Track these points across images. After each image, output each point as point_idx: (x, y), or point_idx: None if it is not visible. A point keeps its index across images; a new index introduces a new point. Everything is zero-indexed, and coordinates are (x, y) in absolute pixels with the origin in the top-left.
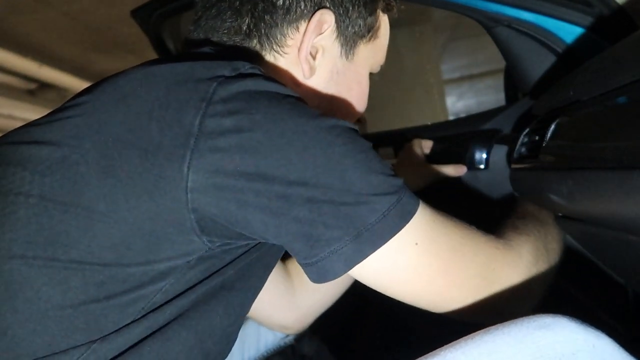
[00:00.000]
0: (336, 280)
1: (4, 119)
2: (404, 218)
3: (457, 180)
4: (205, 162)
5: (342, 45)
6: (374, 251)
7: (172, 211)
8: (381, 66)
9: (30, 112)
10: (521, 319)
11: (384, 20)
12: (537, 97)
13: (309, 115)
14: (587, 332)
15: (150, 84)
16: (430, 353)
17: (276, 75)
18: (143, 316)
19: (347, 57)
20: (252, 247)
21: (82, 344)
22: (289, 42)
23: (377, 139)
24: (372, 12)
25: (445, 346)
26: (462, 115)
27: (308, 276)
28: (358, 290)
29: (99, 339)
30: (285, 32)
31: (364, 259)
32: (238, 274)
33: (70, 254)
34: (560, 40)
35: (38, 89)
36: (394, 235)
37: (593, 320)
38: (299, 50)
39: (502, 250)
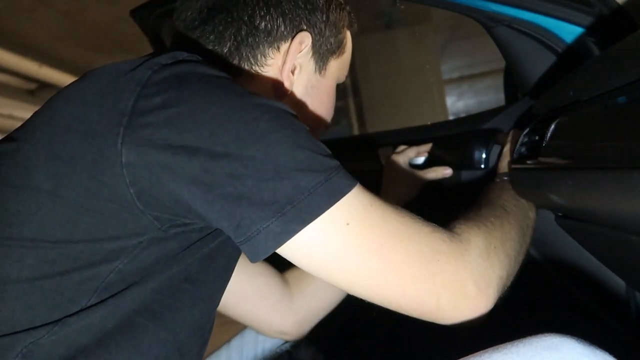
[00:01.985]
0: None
1: (4, 119)
2: (333, 197)
3: (456, 180)
4: (136, 137)
5: (316, 62)
6: (301, 229)
7: (112, 187)
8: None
9: (30, 112)
10: (529, 338)
11: (348, 36)
12: (537, 97)
13: (238, 92)
14: (595, 354)
15: (95, 79)
16: None
17: (255, 87)
18: (102, 301)
19: (320, 73)
20: (208, 234)
21: (44, 324)
22: (269, 61)
23: (377, 139)
24: (341, 30)
25: None
26: (462, 115)
27: (246, 255)
28: (354, 298)
29: (60, 319)
30: (266, 52)
31: (292, 236)
32: (200, 265)
33: (23, 232)
34: (560, 40)
35: (38, 89)
36: (322, 213)
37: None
38: (281, 68)
39: (447, 241)
